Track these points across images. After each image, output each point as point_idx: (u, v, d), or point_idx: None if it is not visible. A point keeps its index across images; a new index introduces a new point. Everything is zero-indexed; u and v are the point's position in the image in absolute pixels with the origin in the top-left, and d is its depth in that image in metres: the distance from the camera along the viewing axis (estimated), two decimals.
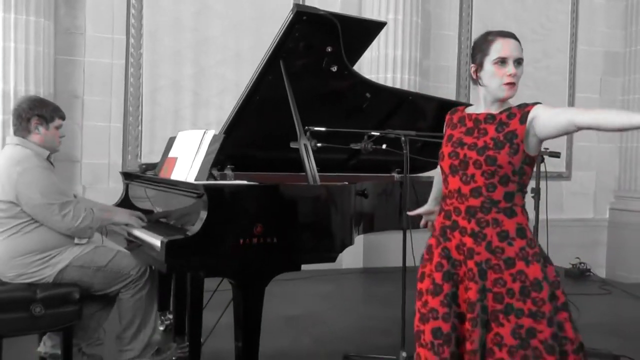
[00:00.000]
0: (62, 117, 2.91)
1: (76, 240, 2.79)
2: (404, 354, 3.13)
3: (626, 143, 6.95)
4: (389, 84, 5.96)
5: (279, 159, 3.61)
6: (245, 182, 2.74)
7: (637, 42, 6.89)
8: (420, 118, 4.11)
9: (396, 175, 4.26)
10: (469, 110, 2.06)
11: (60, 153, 5.22)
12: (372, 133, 3.47)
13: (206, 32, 5.85)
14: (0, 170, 2.71)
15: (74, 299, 2.68)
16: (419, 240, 3.31)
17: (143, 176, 3.45)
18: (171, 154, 3.22)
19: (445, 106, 4.14)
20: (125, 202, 3.51)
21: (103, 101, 5.59)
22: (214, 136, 2.88)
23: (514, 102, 2.00)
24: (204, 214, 2.43)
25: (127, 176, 3.59)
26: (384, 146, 3.52)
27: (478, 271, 1.89)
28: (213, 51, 5.88)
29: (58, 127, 2.88)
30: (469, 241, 1.91)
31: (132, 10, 5.65)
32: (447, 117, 2.10)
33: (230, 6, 5.91)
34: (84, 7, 5.53)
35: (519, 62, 1.93)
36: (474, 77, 2.00)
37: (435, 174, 2.26)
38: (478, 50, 1.98)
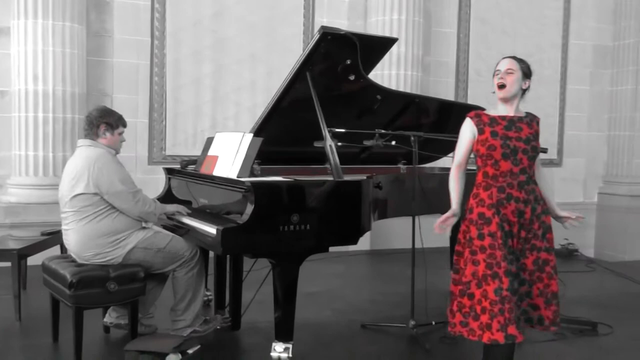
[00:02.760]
0: (124, 125, 3.41)
1: (143, 224, 3.31)
2: (412, 322, 3.66)
3: (614, 131, 7.44)
4: (394, 79, 6.44)
5: (300, 153, 4.12)
6: (281, 178, 3.25)
7: (625, 37, 7.34)
8: (423, 116, 4.59)
9: (402, 167, 4.77)
10: (489, 113, 2.78)
11: None
12: (383, 132, 3.98)
13: (224, 33, 6.31)
14: (80, 167, 3.21)
15: (139, 277, 3.20)
16: (425, 224, 3.84)
17: (183, 171, 3.94)
18: (211, 152, 3.70)
19: (444, 105, 4.68)
20: (167, 194, 4.01)
21: (130, 98, 6.05)
22: (253, 139, 3.36)
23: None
24: (251, 206, 2.94)
25: (170, 171, 4.07)
26: (393, 142, 4.03)
27: (523, 225, 2.67)
28: (230, 51, 6.34)
29: (120, 133, 3.38)
30: (520, 207, 2.66)
31: (156, 14, 6.10)
32: (474, 120, 2.75)
33: (246, 8, 6.35)
34: (111, 11, 5.98)
35: (508, 71, 2.72)
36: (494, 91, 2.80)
37: (451, 178, 2.83)
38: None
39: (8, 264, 3.99)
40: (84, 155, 3.25)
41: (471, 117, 2.78)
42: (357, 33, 3.53)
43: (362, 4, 6.73)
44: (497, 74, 2.74)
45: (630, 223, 7.00)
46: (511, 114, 2.75)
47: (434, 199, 3.96)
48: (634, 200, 7.05)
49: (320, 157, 4.22)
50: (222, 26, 6.31)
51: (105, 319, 3.54)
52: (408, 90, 6.23)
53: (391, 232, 6.37)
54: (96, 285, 3.08)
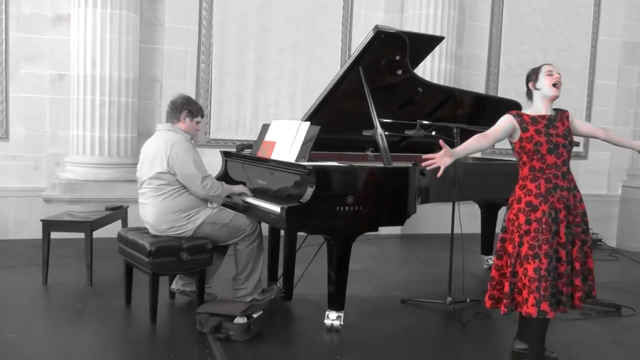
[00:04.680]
0: (202, 115, 3.79)
1: (209, 205, 3.66)
2: (449, 299, 3.98)
3: (639, 126, 7.66)
4: (428, 72, 6.69)
5: (340, 141, 4.41)
6: (336, 163, 3.57)
7: None
8: (459, 108, 4.88)
9: None
10: (528, 112, 3.08)
11: (141, 128, 6.15)
12: (426, 123, 4.28)
13: (267, 24, 6.61)
14: (159, 148, 3.57)
15: (207, 249, 3.56)
16: (464, 211, 4.15)
17: (240, 154, 4.28)
18: (268, 138, 4.03)
19: (480, 99, 4.95)
20: (224, 175, 4.35)
21: (178, 84, 6.36)
22: (310, 127, 3.68)
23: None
24: (311, 188, 3.27)
25: (227, 154, 4.41)
26: (433, 133, 4.33)
27: (569, 211, 3.01)
28: (273, 41, 6.65)
29: (198, 122, 3.74)
30: (565, 194, 3.00)
31: (204, 4, 6.42)
32: (516, 119, 3.03)
33: (288, 0, 6.64)
34: (163, 0, 6.31)
35: (559, 74, 3.07)
36: (531, 88, 3.09)
37: (474, 137, 3.09)
38: (533, 73, 3.10)
39: (73, 235, 4.40)
40: (163, 139, 3.60)
41: (513, 115, 3.07)
42: (408, 32, 3.84)
43: None
44: (551, 74, 3.03)
45: None
46: (548, 113, 3.07)
47: (465, 186, 4.25)
48: None
49: (360, 145, 4.57)
50: (265, 17, 6.61)
51: (172, 286, 3.91)
52: (441, 83, 6.49)
53: (421, 217, 6.66)
54: (171, 254, 3.45)
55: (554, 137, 2.99)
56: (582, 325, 3.85)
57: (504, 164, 4.95)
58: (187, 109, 3.67)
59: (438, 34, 6.71)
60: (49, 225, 4.20)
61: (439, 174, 2.99)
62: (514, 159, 3.27)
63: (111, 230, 4.71)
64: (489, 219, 5.37)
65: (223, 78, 6.56)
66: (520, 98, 4.45)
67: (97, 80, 5.78)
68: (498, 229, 5.27)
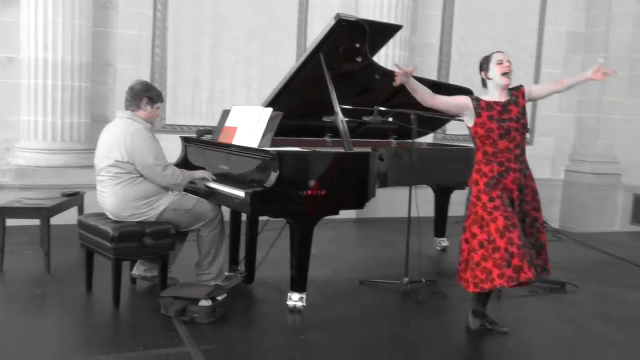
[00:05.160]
0: (162, 101, 3.74)
1: (169, 192, 3.66)
2: (406, 279, 4.13)
3: (582, 114, 8.01)
4: (383, 59, 6.79)
5: (300, 127, 4.48)
6: (299, 148, 3.64)
7: (597, 25, 7.83)
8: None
9: (393, 141, 5.19)
10: (485, 98, 3.24)
11: (95, 114, 6.06)
12: (384, 110, 4.39)
13: (223, 9, 6.58)
14: (117, 137, 3.53)
15: (171, 234, 3.58)
16: (421, 196, 4.29)
17: (200, 140, 4.29)
18: (229, 124, 4.06)
19: (435, 86, 5.08)
20: (184, 161, 4.36)
21: (133, 69, 6.28)
22: (273, 113, 3.73)
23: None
24: (276, 173, 3.33)
25: (187, 140, 4.41)
26: (390, 119, 4.45)
27: (521, 191, 3.21)
28: (229, 27, 6.63)
29: (158, 108, 3.71)
30: (517, 175, 3.19)
31: None
32: (473, 103, 3.20)
33: None
34: None
35: (509, 62, 3.22)
36: (484, 77, 3.25)
37: (425, 94, 3.35)
38: (484, 62, 3.25)
39: (25, 222, 4.35)
40: (122, 127, 3.56)
41: (472, 99, 3.25)
42: (369, 20, 3.92)
43: None
44: (501, 63, 3.19)
45: (592, 199, 7.61)
46: (503, 99, 3.23)
47: (420, 171, 4.38)
48: (597, 178, 7.64)
49: (319, 130, 4.66)
50: (222, 2, 6.57)
51: (133, 272, 3.91)
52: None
53: (376, 201, 6.79)
54: (134, 240, 3.45)
55: (507, 122, 3.16)
56: (530, 301, 4.07)
57: (457, 150, 5.13)
58: (147, 96, 3.64)
59: (392, 21, 6.85)
60: (4, 212, 4.11)
61: (395, 83, 3.29)
62: (466, 144, 3.44)
63: (66, 217, 4.66)
64: (442, 203, 5.56)
65: (178, 63, 6.51)
66: (472, 86, 4.63)
67: (49, 64, 5.65)
68: (451, 213, 5.53)
